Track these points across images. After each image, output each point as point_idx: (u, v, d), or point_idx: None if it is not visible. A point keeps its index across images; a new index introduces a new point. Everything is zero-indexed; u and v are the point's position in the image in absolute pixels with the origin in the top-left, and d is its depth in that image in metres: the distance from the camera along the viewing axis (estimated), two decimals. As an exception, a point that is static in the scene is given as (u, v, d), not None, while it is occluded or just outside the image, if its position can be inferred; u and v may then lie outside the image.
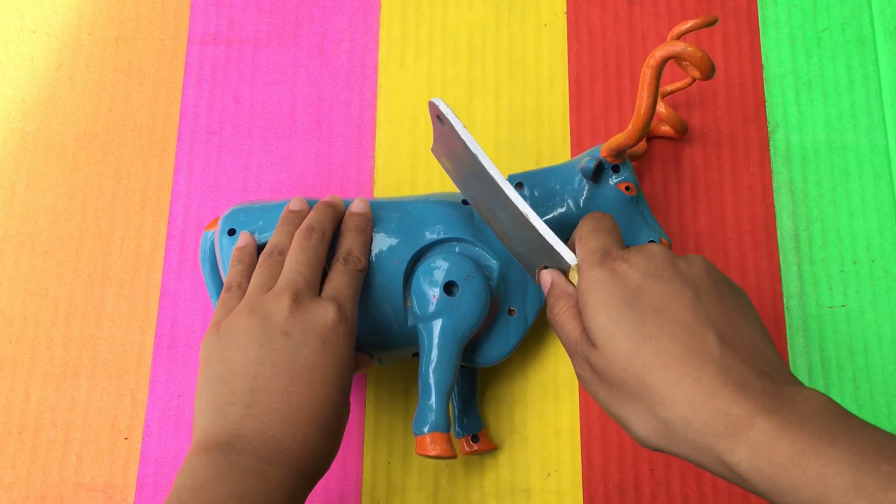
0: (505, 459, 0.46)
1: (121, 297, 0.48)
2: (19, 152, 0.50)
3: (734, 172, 0.51)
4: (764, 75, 0.53)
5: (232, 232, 0.42)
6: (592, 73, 0.52)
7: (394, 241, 0.41)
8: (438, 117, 0.39)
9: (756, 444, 0.28)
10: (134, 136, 0.50)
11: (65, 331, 0.47)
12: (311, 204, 0.42)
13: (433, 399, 0.39)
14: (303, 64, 0.52)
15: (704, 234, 0.50)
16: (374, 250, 0.41)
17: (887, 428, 0.47)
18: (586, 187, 0.44)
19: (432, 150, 0.44)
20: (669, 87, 0.48)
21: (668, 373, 0.31)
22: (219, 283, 0.44)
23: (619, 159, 0.43)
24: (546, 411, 0.47)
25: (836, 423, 0.28)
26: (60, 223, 0.49)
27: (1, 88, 0.51)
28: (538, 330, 0.48)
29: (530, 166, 0.50)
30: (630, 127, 0.40)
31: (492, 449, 0.45)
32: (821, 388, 0.47)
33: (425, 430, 0.39)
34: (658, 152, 0.51)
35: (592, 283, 0.34)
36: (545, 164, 0.50)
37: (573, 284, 0.37)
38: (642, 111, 0.39)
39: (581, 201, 0.44)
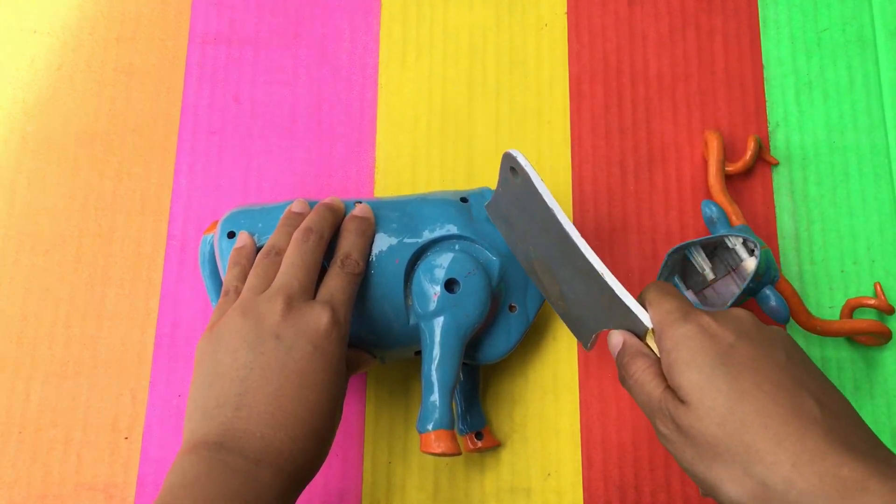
0: (505, 459, 0.46)
1: (121, 297, 0.48)
2: (20, 152, 0.50)
3: (734, 172, 0.51)
4: (764, 75, 0.53)
5: (231, 235, 0.42)
6: (592, 73, 0.52)
7: (393, 241, 0.41)
8: (512, 168, 0.38)
9: None
10: (134, 136, 0.50)
11: (65, 330, 0.47)
12: (312, 206, 0.42)
13: (436, 396, 0.39)
14: (303, 64, 0.52)
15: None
16: (374, 250, 0.41)
17: (887, 428, 0.47)
18: None
19: (486, 206, 0.43)
20: (730, 168, 0.49)
21: (769, 431, 0.30)
22: (219, 287, 0.43)
23: None
24: (546, 411, 0.47)
25: None
26: (61, 223, 0.49)
27: (2, 88, 0.51)
28: (538, 330, 0.48)
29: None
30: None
31: (496, 446, 0.45)
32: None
33: (429, 427, 0.39)
34: (658, 152, 0.51)
35: (680, 340, 0.33)
36: (545, 163, 0.50)
37: (648, 346, 0.36)
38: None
39: None
